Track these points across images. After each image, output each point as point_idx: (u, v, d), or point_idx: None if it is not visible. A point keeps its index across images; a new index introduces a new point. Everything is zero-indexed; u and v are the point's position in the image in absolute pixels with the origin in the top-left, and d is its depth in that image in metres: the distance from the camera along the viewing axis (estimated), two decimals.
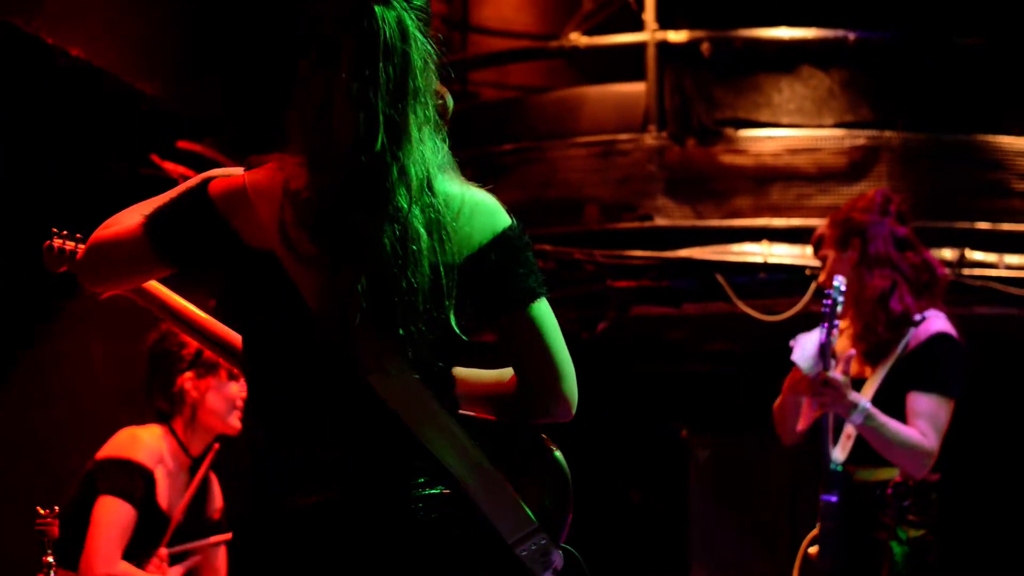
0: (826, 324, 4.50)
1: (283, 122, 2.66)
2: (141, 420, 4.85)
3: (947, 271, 4.88)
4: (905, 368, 4.62)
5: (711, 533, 8.33)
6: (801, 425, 4.74)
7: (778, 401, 4.81)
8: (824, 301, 4.56)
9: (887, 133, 7.65)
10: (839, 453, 4.63)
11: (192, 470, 4.85)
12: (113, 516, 4.53)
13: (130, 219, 2.76)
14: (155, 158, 6.58)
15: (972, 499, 7.98)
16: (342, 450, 2.60)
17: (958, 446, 5.31)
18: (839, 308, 4.55)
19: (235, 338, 3.07)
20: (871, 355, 4.69)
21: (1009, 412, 8.18)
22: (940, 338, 4.61)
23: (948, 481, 4.77)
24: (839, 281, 4.58)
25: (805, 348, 4.60)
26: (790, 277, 7.29)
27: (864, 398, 4.51)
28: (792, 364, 4.63)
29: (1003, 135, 7.84)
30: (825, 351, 4.49)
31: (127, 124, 6.53)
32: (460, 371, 2.75)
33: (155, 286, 3.07)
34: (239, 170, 2.70)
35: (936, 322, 4.64)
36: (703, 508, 8.39)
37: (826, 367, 4.48)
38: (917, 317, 4.64)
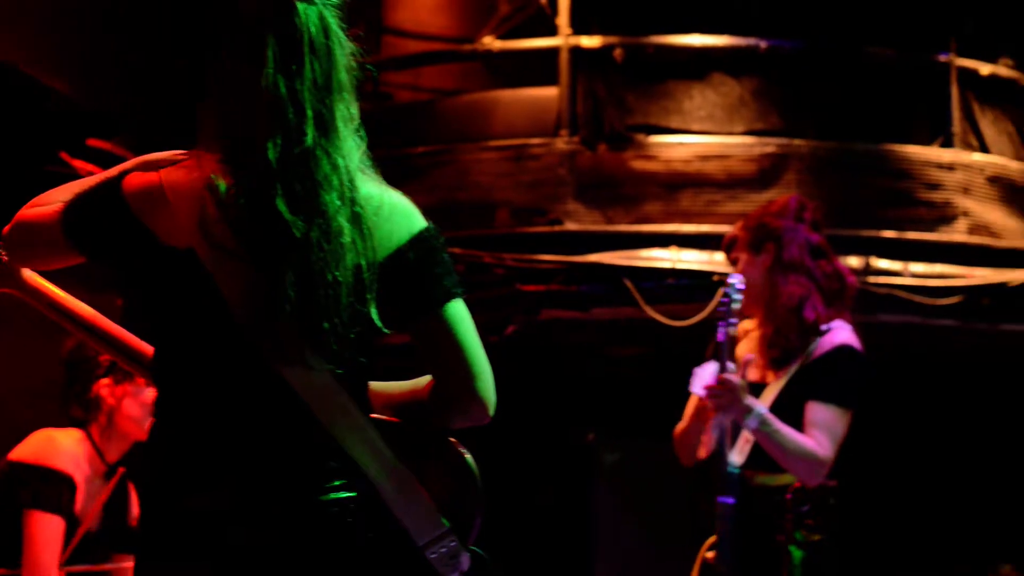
0: (722, 323, 4.51)
1: (196, 118, 2.64)
2: (44, 420, 4.79)
3: (855, 280, 4.91)
4: (807, 377, 4.64)
5: (616, 536, 8.36)
6: (703, 452, 4.75)
7: (680, 426, 4.81)
8: (720, 300, 4.57)
9: (796, 141, 7.73)
10: (737, 457, 4.64)
11: (107, 476, 4.79)
12: (47, 533, 4.48)
13: (57, 198, 2.74)
14: (64, 156, 6.50)
15: (874, 504, 8.08)
16: (251, 448, 2.58)
17: (859, 452, 5.37)
18: (735, 306, 4.55)
19: (125, 335, 3.03)
20: (777, 361, 4.70)
21: (910, 418, 8.28)
22: (843, 350, 4.63)
23: (850, 486, 4.81)
24: (735, 279, 4.59)
25: (704, 379, 4.61)
26: (698, 283, 7.34)
27: (760, 403, 4.53)
28: (691, 394, 4.66)
29: (911, 144, 7.94)
30: (722, 351, 4.49)
31: (35, 121, 6.45)
32: (374, 384, 2.74)
33: (41, 282, 3.03)
34: (174, 155, 2.68)
35: (841, 333, 4.67)
36: (608, 511, 8.41)
37: (723, 367, 4.48)
38: (823, 327, 4.66)
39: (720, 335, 4.49)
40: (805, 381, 4.62)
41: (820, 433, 4.52)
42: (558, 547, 8.65)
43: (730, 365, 4.50)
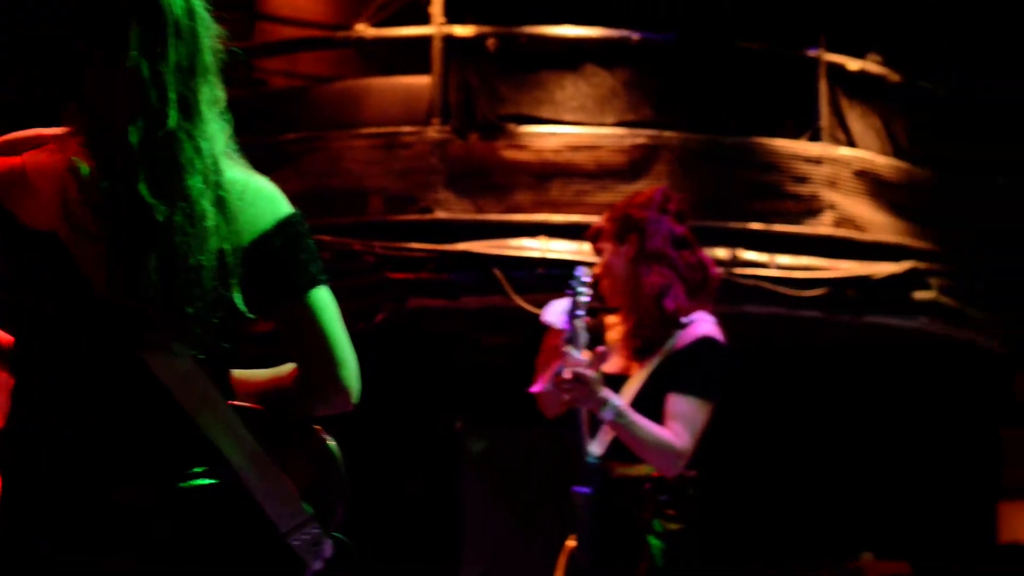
0: (569, 316, 4.51)
1: (58, 102, 2.60)
2: None
3: (720, 271, 4.94)
4: (668, 368, 4.65)
5: (484, 524, 8.36)
6: (536, 389, 4.75)
7: (537, 377, 4.81)
8: (566, 292, 4.58)
9: (667, 133, 7.78)
10: (597, 447, 4.66)
11: None
12: None
13: None
14: None
15: (737, 495, 8.16)
16: (109, 432, 2.55)
17: (724, 443, 5.41)
18: (581, 299, 4.57)
19: None
20: (640, 352, 4.72)
21: (775, 409, 8.39)
22: (704, 342, 4.65)
23: (713, 477, 4.85)
24: (580, 272, 4.60)
25: (556, 310, 4.60)
26: (567, 272, 7.34)
27: (616, 396, 4.54)
28: (546, 327, 4.65)
29: (779, 138, 8.04)
30: (573, 342, 4.49)
31: None
32: (237, 371, 2.72)
33: None
34: (35, 133, 2.64)
35: (703, 326, 4.69)
36: (475, 500, 8.41)
37: (574, 359, 4.49)
38: (685, 320, 4.68)
39: (567, 327, 4.50)
40: (667, 373, 4.64)
41: (679, 424, 4.54)
42: (426, 535, 8.64)
43: (579, 356, 4.49)
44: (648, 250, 4.71)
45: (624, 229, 4.79)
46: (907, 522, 9.27)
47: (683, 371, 4.60)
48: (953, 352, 8.92)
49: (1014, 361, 9.65)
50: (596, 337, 4.63)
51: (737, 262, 7.49)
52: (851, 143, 8.26)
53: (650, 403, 4.58)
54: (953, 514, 9.74)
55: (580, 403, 4.50)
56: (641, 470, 4.63)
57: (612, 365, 4.69)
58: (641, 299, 4.68)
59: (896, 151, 8.51)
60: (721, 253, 7.42)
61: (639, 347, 4.70)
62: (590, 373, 4.43)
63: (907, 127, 8.63)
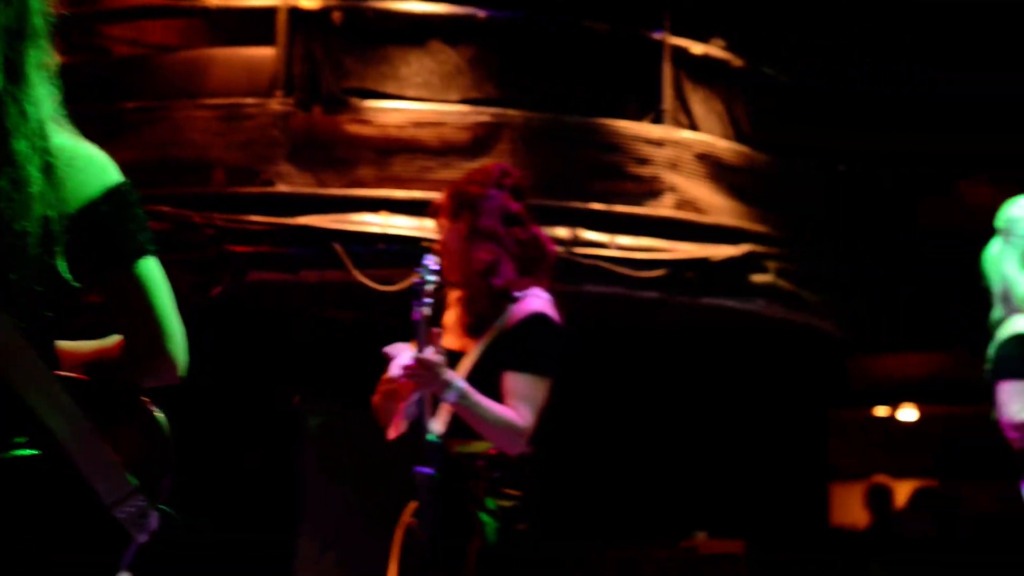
0: (417, 303, 4.50)
1: None
2: None
3: (556, 248, 4.95)
4: (501, 346, 4.66)
5: (321, 501, 8.31)
6: (392, 434, 4.75)
7: (375, 398, 4.80)
8: (414, 279, 4.57)
9: (511, 111, 7.77)
10: (438, 425, 4.66)
11: None
12: None
13: None
14: None
15: (575, 475, 8.21)
16: None
17: (562, 422, 5.43)
18: (428, 287, 4.56)
19: None
20: (473, 328, 4.72)
21: (613, 389, 8.44)
22: (535, 318, 4.66)
23: (552, 457, 4.87)
24: (429, 260, 4.59)
25: (401, 362, 4.61)
26: (408, 248, 7.32)
27: (459, 377, 4.54)
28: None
29: (622, 119, 8.08)
30: (418, 330, 4.49)
31: None
32: (64, 342, 2.67)
33: None
34: None
35: (534, 302, 4.69)
36: (313, 476, 8.36)
37: (420, 347, 4.48)
38: (517, 295, 4.69)
39: (415, 315, 4.49)
40: (500, 350, 4.65)
41: (519, 403, 4.55)
42: (264, 509, 8.57)
43: (428, 349, 4.49)
44: (479, 227, 4.70)
45: (458, 205, 4.78)
46: (742, 502, 9.40)
47: (516, 348, 4.61)
48: (789, 335, 9.06)
49: (848, 345, 9.84)
50: (438, 314, 4.63)
51: (578, 242, 7.51)
52: (693, 126, 8.34)
53: (483, 380, 4.58)
54: (787, 495, 9.90)
55: (426, 387, 4.50)
56: (477, 447, 4.63)
57: (449, 342, 4.68)
58: (471, 276, 4.68)
59: (738, 135, 8.61)
60: (562, 232, 7.44)
61: (472, 324, 4.70)
62: (435, 358, 4.43)
63: (749, 112, 8.73)
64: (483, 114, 7.76)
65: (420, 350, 4.43)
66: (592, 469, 8.73)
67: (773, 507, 9.70)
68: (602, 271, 7.57)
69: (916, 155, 12.00)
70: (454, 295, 4.82)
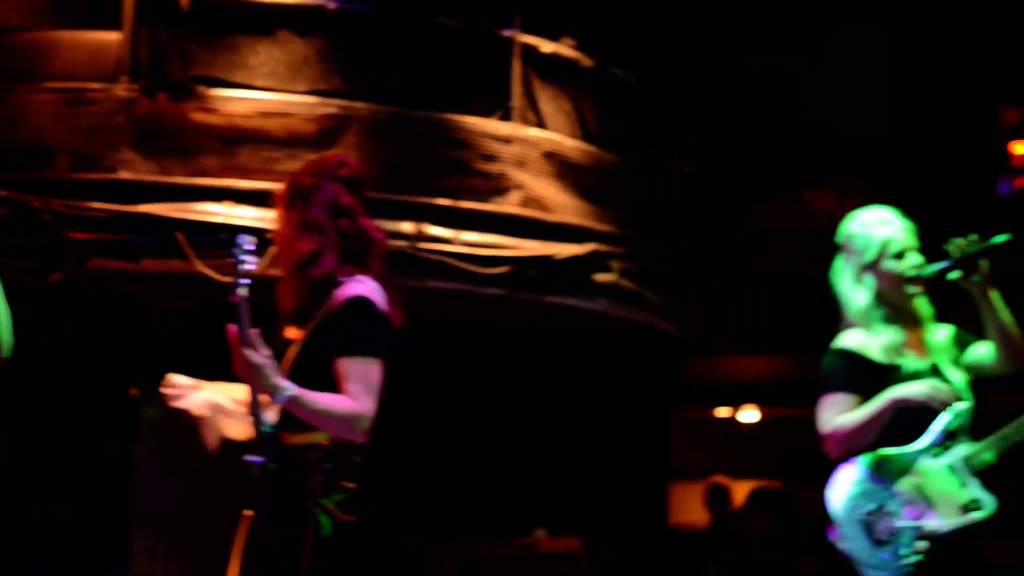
0: (234, 285, 4.46)
1: None
2: None
3: (387, 242, 4.93)
4: (325, 331, 4.65)
5: (156, 494, 8.21)
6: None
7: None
8: (229, 261, 4.55)
9: (358, 104, 7.72)
10: (271, 415, 4.64)
11: None
12: None
13: None
14: None
15: (415, 470, 8.20)
16: None
17: (404, 417, 5.42)
18: (245, 267, 4.53)
19: None
20: (298, 319, 4.72)
21: (456, 384, 8.44)
22: (355, 301, 4.64)
23: (394, 451, 4.85)
24: (243, 240, 4.56)
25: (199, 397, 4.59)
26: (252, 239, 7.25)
27: (285, 380, 4.52)
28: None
29: (470, 115, 8.07)
30: (238, 313, 4.45)
31: None
32: None
33: None
34: None
35: (354, 286, 4.68)
36: (149, 467, 8.26)
37: (242, 331, 4.44)
38: (342, 279, 4.69)
39: (234, 297, 4.45)
40: (324, 335, 4.64)
41: (354, 386, 4.53)
42: (94, 504, 8.44)
43: (250, 332, 4.45)
44: (307, 218, 4.70)
45: (292, 196, 4.77)
46: (582, 501, 9.47)
47: (339, 332, 4.59)
48: (631, 335, 9.13)
49: (690, 346, 9.95)
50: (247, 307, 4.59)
51: (422, 237, 7.50)
52: (541, 124, 8.37)
53: (310, 368, 4.57)
54: (627, 494, 10.00)
55: (255, 386, 4.47)
56: (313, 438, 4.61)
57: (284, 332, 4.66)
58: (293, 266, 4.68)
59: (585, 134, 8.65)
60: (407, 227, 7.43)
61: (295, 314, 4.69)
62: (260, 360, 4.40)
63: (597, 111, 8.78)
64: (330, 106, 7.70)
65: (242, 335, 4.39)
66: (434, 465, 8.73)
67: (613, 506, 9.79)
68: (446, 267, 7.56)
69: (763, 160, 12.19)
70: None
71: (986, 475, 5.37)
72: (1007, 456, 5.38)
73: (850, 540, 5.21)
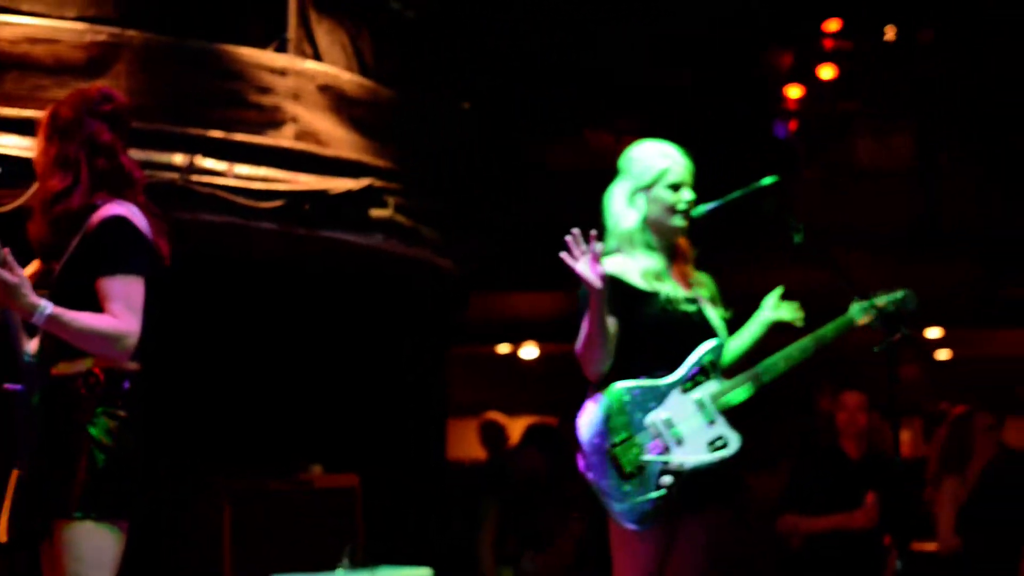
0: None
1: None
2: None
3: (143, 177, 4.87)
4: (83, 253, 4.61)
5: None
6: None
7: None
8: None
9: (129, 31, 7.52)
10: (32, 344, 4.59)
11: None
12: None
13: None
14: None
15: (188, 405, 8.08)
16: None
17: (177, 352, 5.34)
18: None
19: None
20: (51, 252, 4.68)
21: (228, 318, 8.32)
22: (112, 221, 4.60)
23: (168, 382, 4.80)
24: None
25: None
26: (16, 168, 7.07)
27: (44, 300, 4.45)
28: None
29: (245, 47, 7.96)
30: None
31: None
32: None
33: None
34: None
35: (111, 207, 4.64)
36: None
37: None
38: (96, 203, 4.63)
39: None
40: (82, 258, 4.59)
41: (115, 305, 4.48)
42: None
43: (2, 252, 4.38)
44: (61, 154, 4.65)
45: (51, 129, 4.72)
46: (358, 437, 9.47)
47: (98, 252, 4.55)
48: (409, 270, 9.13)
49: (468, 282, 9.99)
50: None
51: (195, 169, 7.37)
52: (317, 57, 8.29)
53: (69, 291, 4.52)
54: (404, 430, 10.02)
55: (10, 307, 4.39)
56: (81, 366, 4.55)
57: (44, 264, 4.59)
58: (41, 203, 4.64)
59: (362, 69, 8.59)
60: (178, 159, 7.30)
61: (47, 248, 4.65)
62: (11, 278, 4.31)
63: (375, 46, 8.73)
64: (101, 33, 7.50)
65: None
66: (209, 400, 8.64)
67: (390, 442, 9.81)
68: (219, 200, 7.45)
69: (544, 100, 12.29)
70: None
71: (736, 413, 5.51)
72: (758, 395, 5.54)
73: (596, 471, 5.28)
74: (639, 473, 5.27)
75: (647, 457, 5.29)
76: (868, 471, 8.14)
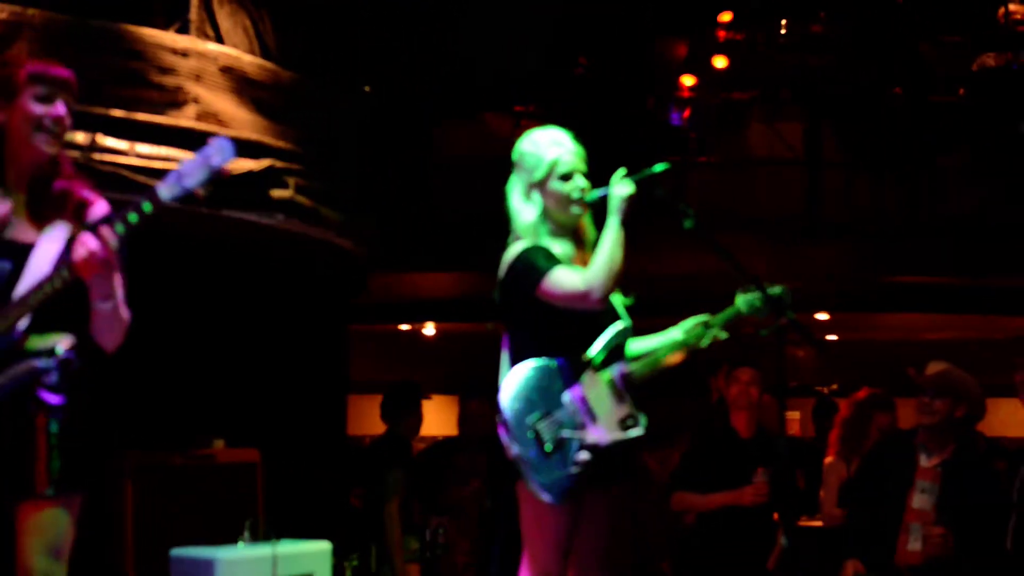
0: None
1: None
2: None
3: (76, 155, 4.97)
4: None
5: None
6: None
7: None
8: None
9: (31, 10, 7.54)
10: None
11: None
12: None
13: None
14: None
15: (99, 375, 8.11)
16: None
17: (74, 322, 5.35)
18: None
19: None
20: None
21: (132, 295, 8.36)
22: None
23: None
24: None
25: None
26: None
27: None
28: None
29: (148, 27, 8.01)
30: None
31: None
32: None
33: None
34: None
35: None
36: None
37: None
38: None
39: None
40: None
41: None
42: None
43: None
44: None
45: None
46: (261, 413, 9.54)
47: None
48: (310, 250, 9.24)
49: (368, 263, 10.12)
50: None
51: (96, 148, 7.43)
52: (219, 39, 8.36)
53: None
54: (306, 407, 10.12)
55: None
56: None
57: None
58: None
59: (263, 51, 8.68)
60: (80, 138, 7.35)
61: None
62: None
63: (276, 28, 8.81)
64: (2, 11, 7.52)
65: None
66: (109, 374, 8.67)
67: (292, 418, 9.91)
68: (121, 178, 7.50)
69: (443, 83, 12.40)
70: None
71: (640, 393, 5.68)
72: (659, 376, 5.72)
73: (520, 443, 5.41)
74: (557, 449, 5.39)
75: (565, 434, 5.42)
76: (758, 449, 8.31)
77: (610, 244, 5.42)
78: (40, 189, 4.77)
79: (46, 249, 4.66)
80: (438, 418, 13.99)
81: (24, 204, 4.75)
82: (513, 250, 5.58)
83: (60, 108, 4.76)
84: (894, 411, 9.60)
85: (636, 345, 5.76)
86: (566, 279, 5.43)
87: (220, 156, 4.69)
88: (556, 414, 5.40)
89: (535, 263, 5.46)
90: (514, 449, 5.36)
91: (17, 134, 4.69)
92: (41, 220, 4.72)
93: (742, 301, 5.84)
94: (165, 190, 4.61)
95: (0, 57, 4.81)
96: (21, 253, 4.66)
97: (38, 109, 4.73)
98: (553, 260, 5.48)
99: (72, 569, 4.71)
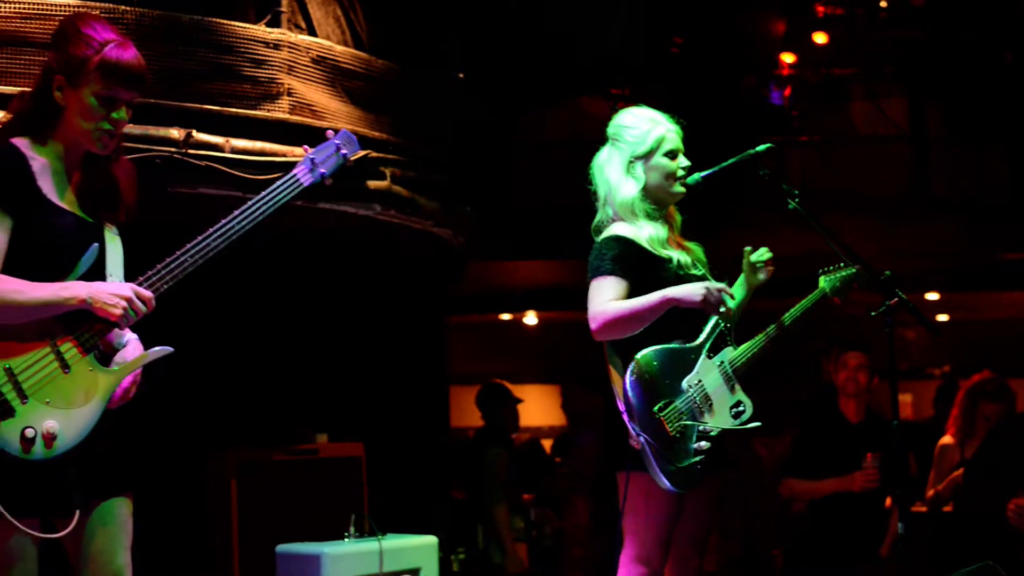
0: None
1: None
2: None
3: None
4: None
5: None
6: None
7: None
8: None
9: (123, 7, 7.53)
10: None
11: None
12: None
13: None
14: None
15: (198, 373, 8.13)
16: None
17: (183, 319, 5.34)
18: None
19: None
20: None
21: (230, 290, 8.33)
22: None
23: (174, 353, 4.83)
24: None
25: None
26: None
27: None
28: None
29: (238, 21, 7.96)
30: None
31: None
32: None
33: None
34: None
35: None
36: None
37: None
38: None
39: None
40: None
41: None
42: None
43: None
44: None
45: None
46: (363, 406, 9.53)
47: None
48: (408, 240, 9.17)
49: (466, 252, 10.04)
50: None
51: (192, 143, 7.39)
52: (311, 30, 8.29)
53: None
54: (408, 398, 10.09)
55: None
56: None
57: None
58: None
59: (356, 41, 8.60)
60: (175, 133, 7.32)
61: None
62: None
63: (367, 17, 8.73)
64: (94, 9, 7.51)
65: None
66: (214, 372, 8.69)
67: (394, 411, 9.88)
68: (217, 172, 7.47)
69: (538, 68, 12.29)
70: None
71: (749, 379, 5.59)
72: (768, 362, 5.62)
73: (650, 431, 5.30)
74: (680, 437, 5.32)
75: (687, 422, 5.33)
76: (867, 434, 8.20)
77: (644, 308, 5.33)
78: (91, 179, 4.75)
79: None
80: (540, 408, 13.93)
81: (75, 189, 4.73)
82: (608, 231, 5.51)
83: (119, 113, 4.69)
84: (1006, 399, 9.34)
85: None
86: (600, 293, 5.37)
87: (349, 147, 4.75)
88: (677, 402, 5.33)
89: (603, 257, 5.40)
90: (646, 437, 5.26)
91: (73, 120, 4.64)
92: (92, 212, 4.73)
93: (826, 282, 5.75)
94: (306, 177, 4.67)
95: (82, 36, 4.75)
96: (98, 233, 4.70)
97: (95, 114, 4.66)
98: (618, 264, 5.39)
99: (180, 568, 4.70)
